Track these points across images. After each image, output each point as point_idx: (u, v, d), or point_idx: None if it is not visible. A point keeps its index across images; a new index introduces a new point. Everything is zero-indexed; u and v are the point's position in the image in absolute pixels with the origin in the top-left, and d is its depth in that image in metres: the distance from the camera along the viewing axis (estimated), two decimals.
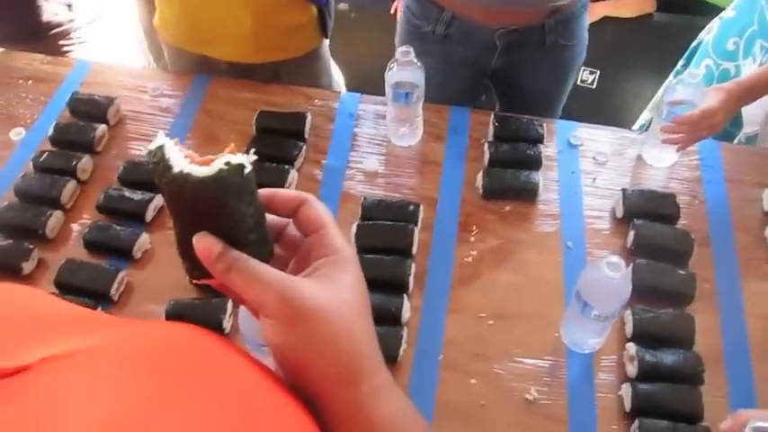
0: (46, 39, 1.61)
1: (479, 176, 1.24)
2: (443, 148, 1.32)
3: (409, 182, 1.27)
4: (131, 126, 1.37)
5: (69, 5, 1.59)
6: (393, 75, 1.21)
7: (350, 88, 2.15)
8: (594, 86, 2.20)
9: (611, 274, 0.89)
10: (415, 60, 1.19)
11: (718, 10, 2.00)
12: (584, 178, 1.27)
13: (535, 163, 1.26)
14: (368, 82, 1.57)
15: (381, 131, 1.34)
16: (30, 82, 1.46)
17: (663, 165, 1.28)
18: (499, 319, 1.09)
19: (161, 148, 0.42)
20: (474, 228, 1.20)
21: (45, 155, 1.28)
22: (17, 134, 1.36)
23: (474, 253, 1.17)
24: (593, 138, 1.33)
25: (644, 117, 1.82)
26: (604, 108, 2.19)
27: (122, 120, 1.38)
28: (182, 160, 0.42)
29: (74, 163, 1.25)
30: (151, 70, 1.52)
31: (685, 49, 1.83)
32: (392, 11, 2.26)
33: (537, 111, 1.43)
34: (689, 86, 1.18)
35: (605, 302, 0.94)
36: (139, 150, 1.32)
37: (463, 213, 1.21)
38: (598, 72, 2.18)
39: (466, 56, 1.43)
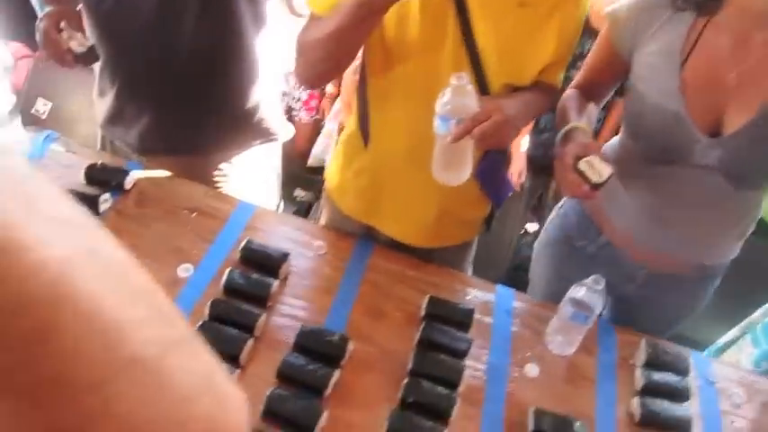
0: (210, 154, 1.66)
1: (635, 403, 1.30)
2: (594, 363, 1.39)
3: (566, 394, 1.32)
4: (297, 281, 1.41)
5: None
6: (580, 295, 1.29)
7: None
8: None
9: None
10: (603, 288, 1.27)
11: None
12: (724, 419, 1.35)
13: (685, 396, 1.34)
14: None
15: (536, 336, 1.41)
16: (194, 215, 1.49)
17: None
18: None
19: None
20: None
21: (221, 306, 1.29)
22: (185, 270, 1.37)
23: None
24: (728, 377, 1.42)
25: (732, 333, 1.94)
26: None
27: (288, 276, 1.41)
28: None
29: (254, 320, 1.27)
30: (314, 226, 1.57)
31: None
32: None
33: (648, 331, 1.53)
34: None
35: None
36: (309, 313, 1.35)
37: None
38: None
39: (606, 277, 1.53)
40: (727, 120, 1.26)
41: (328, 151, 2.57)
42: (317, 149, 2.65)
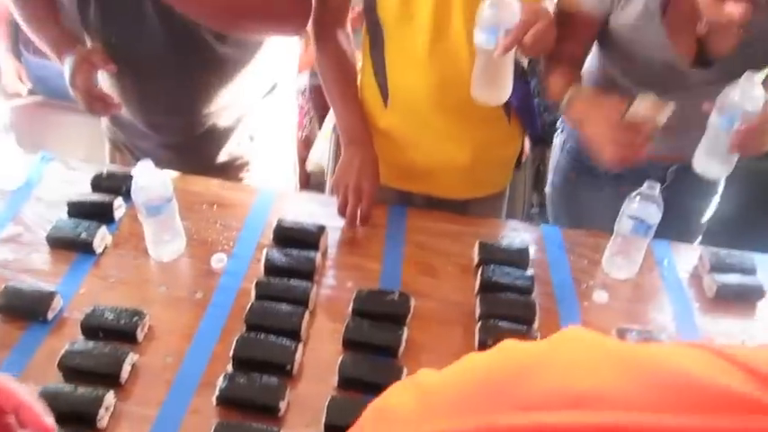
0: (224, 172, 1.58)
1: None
2: (659, 279, 1.33)
3: (642, 312, 1.26)
4: (339, 254, 1.33)
5: (251, 137, 1.58)
6: (634, 208, 1.23)
7: None
8: None
9: None
10: (659, 193, 1.22)
11: None
12: None
13: (759, 293, 1.29)
14: None
15: (594, 265, 1.35)
16: (215, 207, 1.41)
17: None
18: None
19: None
20: None
21: (267, 285, 1.20)
22: (219, 261, 1.29)
23: None
24: None
25: None
26: None
27: (326, 250, 1.33)
28: None
29: (305, 293, 1.19)
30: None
31: None
32: None
33: (680, 232, 1.50)
34: None
35: None
36: (358, 282, 1.27)
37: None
38: None
39: (633, 189, 1.47)
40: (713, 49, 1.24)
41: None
42: (314, 153, 2.51)
